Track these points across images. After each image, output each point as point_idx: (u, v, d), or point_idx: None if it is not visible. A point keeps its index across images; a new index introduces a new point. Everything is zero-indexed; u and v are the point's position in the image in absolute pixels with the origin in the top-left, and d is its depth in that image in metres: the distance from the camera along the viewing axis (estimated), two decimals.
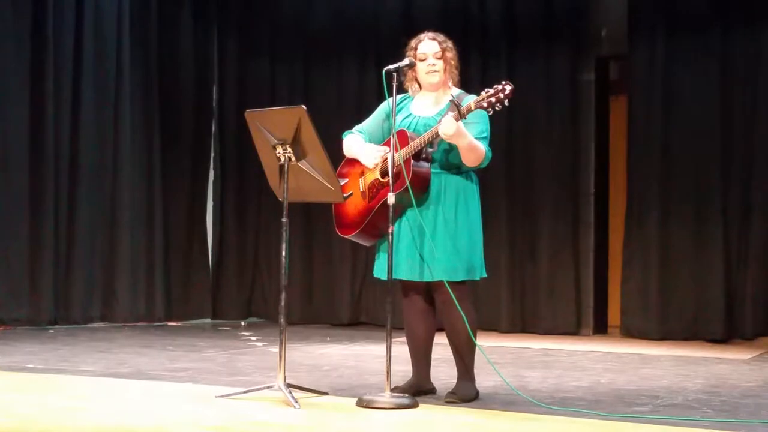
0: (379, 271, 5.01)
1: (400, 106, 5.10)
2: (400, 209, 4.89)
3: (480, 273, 4.98)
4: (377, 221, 4.89)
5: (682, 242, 8.56)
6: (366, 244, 5.11)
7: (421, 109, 5.05)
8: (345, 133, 5.22)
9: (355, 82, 9.74)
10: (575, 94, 9.03)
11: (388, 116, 5.10)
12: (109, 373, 5.91)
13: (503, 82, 4.72)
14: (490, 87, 4.74)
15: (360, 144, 5.10)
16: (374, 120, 5.21)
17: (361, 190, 5.02)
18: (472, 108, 4.72)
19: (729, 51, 8.48)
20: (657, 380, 5.98)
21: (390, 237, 4.77)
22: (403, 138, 4.88)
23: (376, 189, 4.93)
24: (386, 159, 4.87)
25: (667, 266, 8.58)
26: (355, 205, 5.04)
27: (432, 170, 4.91)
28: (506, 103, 4.71)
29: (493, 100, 4.69)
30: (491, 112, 4.76)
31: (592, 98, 9.09)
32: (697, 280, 8.48)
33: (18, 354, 6.80)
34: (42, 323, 8.65)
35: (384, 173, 4.90)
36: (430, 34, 5.05)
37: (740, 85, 8.46)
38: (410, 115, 5.05)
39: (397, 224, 4.91)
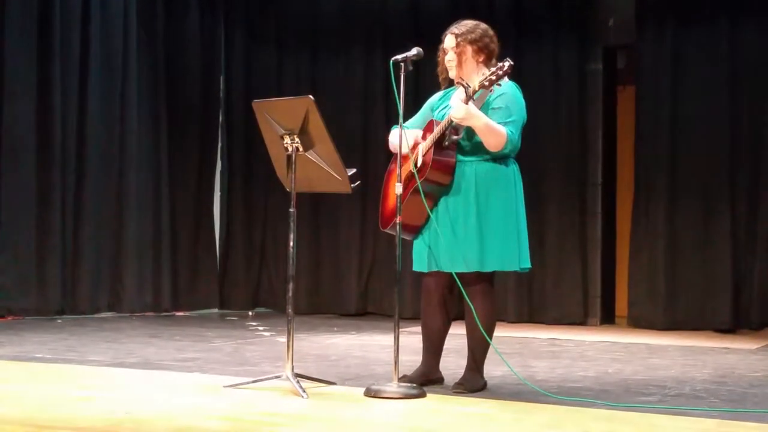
0: (417, 263, 4.98)
1: (445, 97, 5.11)
2: (432, 200, 4.87)
3: (519, 263, 4.88)
4: (409, 212, 4.87)
5: (690, 232, 8.55)
6: (406, 237, 5.02)
7: (455, 99, 5.06)
8: (394, 126, 5.20)
9: (363, 71, 9.73)
10: (582, 83, 9.03)
11: (433, 109, 5.11)
12: (117, 363, 5.92)
13: (505, 60, 4.73)
14: (494, 66, 4.76)
15: (399, 132, 5.08)
16: (421, 114, 5.19)
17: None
18: (477, 88, 4.73)
19: (737, 39, 8.47)
20: (664, 370, 5.98)
21: (398, 227, 4.76)
22: (431, 129, 4.89)
23: (408, 181, 4.92)
24: (415, 148, 4.88)
25: (675, 256, 8.58)
26: (393, 199, 5.03)
27: (459, 158, 4.88)
28: (506, 79, 4.72)
29: (493, 78, 4.70)
30: (492, 90, 4.77)
31: (600, 88, 9.09)
32: (705, 271, 8.49)
33: (26, 344, 6.82)
34: (50, 313, 8.68)
35: (415, 164, 4.91)
36: (453, 27, 5.03)
37: (749, 74, 8.44)
38: (447, 106, 5.04)
39: (432, 214, 4.89)
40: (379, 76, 9.40)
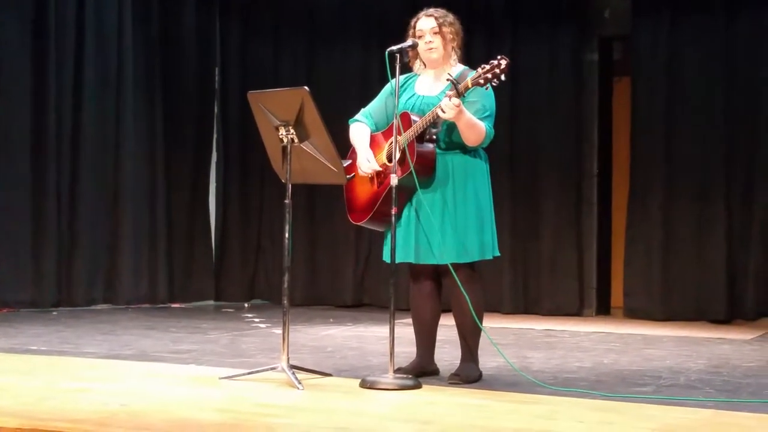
0: (388, 254, 4.98)
1: (405, 85, 5.08)
2: (408, 192, 4.88)
3: (492, 251, 4.95)
4: (387, 206, 4.87)
5: (685, 223, 8.55)
6: (379, 229, 5.08)
7: (424, 88, 5.04)
8: (351, 120, 5.20)
9: (359, 63, 9.71)
10: (578, 74, 9.01)
11: (393, 96, 5.08)
12: (112, 354, 5.92)
13: (499, 57, 4.70)
14: (487, 63, 4.72)
15: (362, 144, 5.07)
16: (379, 101, 5.19)
17: (370, 176, 5.01)
18: (469, 85, 4.71)
19: (733, 30, 8.45)
20: (659, 361, 5.99)
21: (393, 219, 4.76)
22: (406, 120, 4.86)
23: (384, 174, 4.92)
24: (391, 144, 4.87)
25: (670, 247, 8.58)
26: (364, 191, 5.03)
27: (437, 150, 4.89)
28: (502, 77, 4.68)
29: (489, 75, 4.68)
30: (488, 88, 4.75)
31: (596, 78, 9.08)
32: (700, 261, 8.49)
33: (21, 336, 6.81)
34: (45, 305, 8.66)
35: (390, 158, 4.90)
36: (429, 11, 5.01)
37: (745, 64, 8.43)
38: (414, 95, 5.03)
39: (406, 207, 4.90)
40: (376, 67, 9.38)
